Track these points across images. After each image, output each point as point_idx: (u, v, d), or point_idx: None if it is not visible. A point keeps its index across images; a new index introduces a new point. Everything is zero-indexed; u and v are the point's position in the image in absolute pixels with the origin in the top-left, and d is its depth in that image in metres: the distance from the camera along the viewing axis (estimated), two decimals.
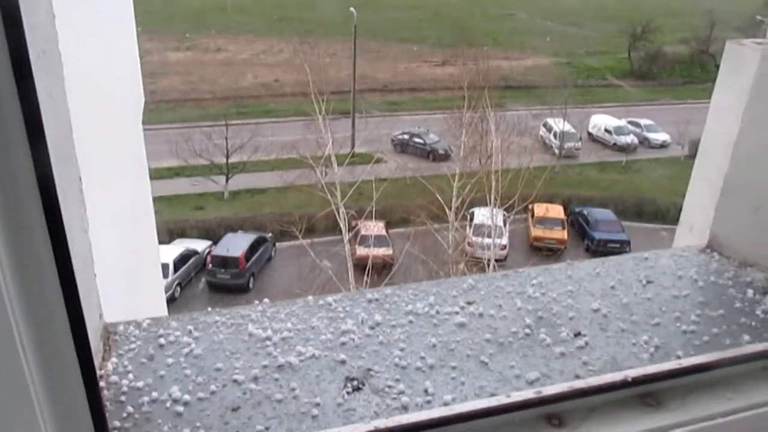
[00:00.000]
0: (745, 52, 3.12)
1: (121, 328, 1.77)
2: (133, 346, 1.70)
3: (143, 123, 4.32)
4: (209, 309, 1.89)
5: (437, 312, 1.88)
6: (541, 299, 1.97)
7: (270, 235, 30.34)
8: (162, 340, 1.72)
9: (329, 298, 1.95)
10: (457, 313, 1.88)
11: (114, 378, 1.56)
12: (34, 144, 0.98)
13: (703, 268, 2.19)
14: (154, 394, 1.51)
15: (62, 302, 1.03)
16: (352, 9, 40.85)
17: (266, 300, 1.93)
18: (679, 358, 1.68)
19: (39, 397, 1.06)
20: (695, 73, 51.49)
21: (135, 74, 4.13)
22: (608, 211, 33.26)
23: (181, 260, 27.34)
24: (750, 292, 2.03)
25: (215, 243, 29.44)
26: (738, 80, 2.53)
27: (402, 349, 1.71)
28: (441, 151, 35.65)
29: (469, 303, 1.94)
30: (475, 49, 33.58)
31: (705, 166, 3.31)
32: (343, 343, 1.73)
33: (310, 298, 1.95)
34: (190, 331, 1.76)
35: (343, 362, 1.65)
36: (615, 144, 41.84)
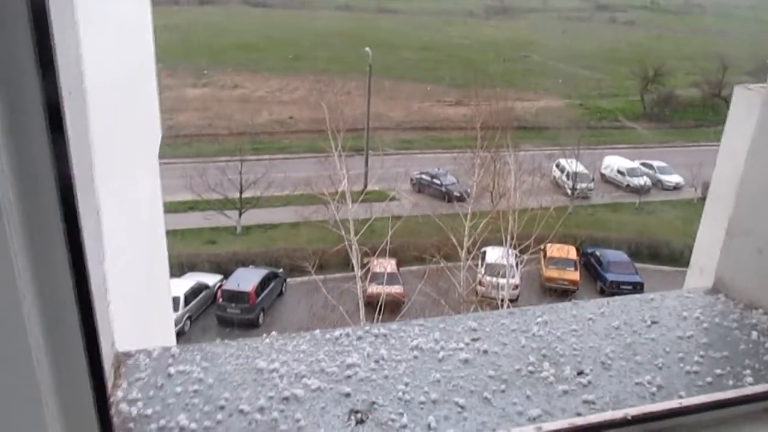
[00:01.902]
0: (751, 96, 3.18)
1: (131, 356, 1.81)
2: (142, 374, 1.73)
3: (160, 157, 4.41)
4: (218, 340, 1.93)
5: (442, 348, 1.91)
6: (545, 338, 1.99)
7: (281, 270, 30.39)
8: (171, 370, 1.75)
9: (336, 332, 1.98)
10: (461, 349, 1.90)
11: (123, 405, 1.59)
12: (61, 178, 1.04)
13: (708, 310, 2.20)
14: (162, 422, 1.54)
15: (79, 331, 1.08)
16: (367, 49, 41.59)
17: (274, 333, 1.97)
18: (681, 398, 1.69)
19: (54, 422, 1.10)
20: (707, 116, 51.67)
21: (153, 109, 4.25)
22: (621, 252, 33.06)
23: (192, 294, 27.39)
24: (754, 334, 2.04)
25: (226, 277, 29.52)
26: (745, 124, 2.58)
27: (406, 384, 1.73)
28: (456, 193, 35.83)
29: (474, 340, 1.96)
30: (488, 90, 33.97)
31: (714, 208, 3.33)
32: (349, 377, 1.75)
33: (317, 331, 1.98)
34: (199, 362, 1.80)
35: (347, 395, 1.68)
36: (628, 185, 41.85)
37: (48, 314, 1.09)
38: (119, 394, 1.65)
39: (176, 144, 40.13)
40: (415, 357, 1.86)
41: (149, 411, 1.58)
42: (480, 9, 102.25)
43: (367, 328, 1.98)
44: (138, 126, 3.81)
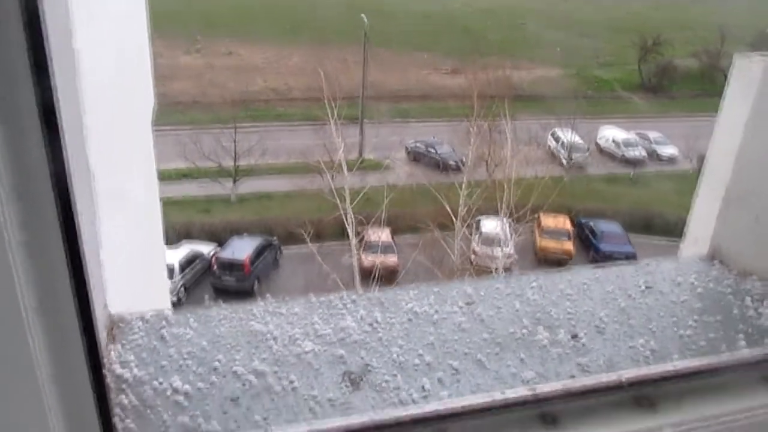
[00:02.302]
0: (752, 65, 3.15)
1: (125, 319, 1.80)
2: (136, 337, 1.73)
3: (153, 124, 4.36)
4: (211, 304, 1.92)
5: (437, 311, 1.90)
6: (539, 302, 1.99)
7: (276, 239, 30.40)
8: (165, 332, 1.75)
9: (331, 297, 1.98)
10: (456, 313, 1.90)
11: (116, 367, 1.59)
12: (49, 135, 1.01)
13: (703, 276, 2.20)
14: (156, 384, 1.54)
15: (71, 291, 1.06)
16: (363, 16, 41.05)
17: (268, 296, 1.96)
18: (675, 361, 1.69)
19: (45, 382, 1.08)
20: (705, 87, 51.30)
21: (146, 75, 4.19)
22: (615, 223, 33.18)
23: (187, 262, 27.41)
24: (748, 300, 2.04)
25: (221, 246, 29.51)
26: (744, 92, 2.56)
27: (401, 347, 1.73)
28: (451, 162, 35.69)
29: (469, 304, 1.96)
30: (485, 59, 33.68)
31: (710, 178, 3.32)
32: (343, 340, 1.75)
33: (311, 296, 1.97)
34: (193, 325, 1.79)
35: (341, 358, 1.68)
36: (623, 156, 41.77)
37: (39, 274, 1.07)
38: (113, 356, 1.64)
39: (170, 112, 39.68)
40: (410, 320, 1.86)
41: (143, 373, 1.58)
42: None
43: (361, 292, 1.98)
44: (131, 91, 3.76)
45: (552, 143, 40.87)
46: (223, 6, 64.62)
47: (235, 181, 35.26)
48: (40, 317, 1.08)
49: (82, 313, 1.08)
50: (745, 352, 1.73)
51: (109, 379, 1.56)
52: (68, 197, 1.02)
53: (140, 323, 1.79)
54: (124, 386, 1.54)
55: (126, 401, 1.48)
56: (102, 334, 1.66)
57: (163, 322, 1.80)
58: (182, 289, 26.64)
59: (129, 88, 3.71)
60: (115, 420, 1.42)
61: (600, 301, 2.00)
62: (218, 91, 48.02)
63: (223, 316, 1.86)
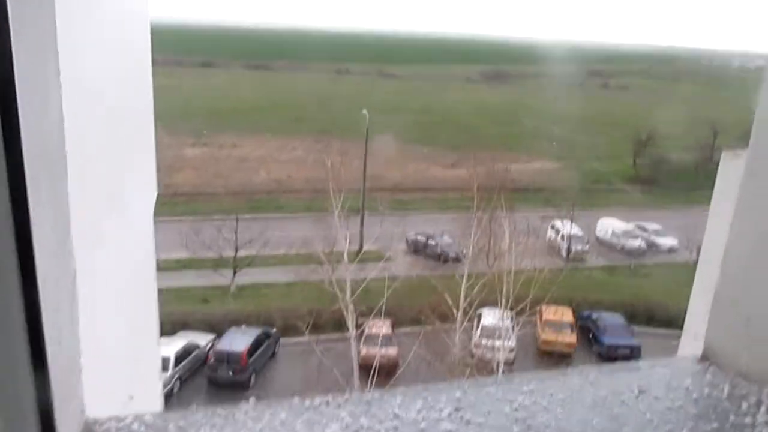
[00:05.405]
0: (740, 161, 3.21)
1: (102, 424, 1.75)
2: None
3: (156, 215, 4.39)
4: (194, 406, 1.87)
5: (423, 418, 1.85)
6: (530, 408, 1.94)
7: (274, 330, 30.02)
8: None
9: (316, 400, 1.93)
10: (443, 420, 1.85)
11: None
12: (20, 217, 0.99)
13: (698, 379, 2.15)
14: None
15: (34, 400, 1.03)
16: (364, 111, 42.37)
17: (252, 399, 1.92)
18: None
19: None
20: (699, 180, 52.23)
21: (150, 166, 4.26)
22: (618, 315, 32.81)
23: (183, 354, 26.94)
24: (744, 405, 1.99)
25: (219, 336, 29.10)
26: (733, 189, 2.59)
27: None
28: (452, 255, 35.79)
29: (457, 409, 1.91)
30: (483, 153, 34.45)
31: (705, 273, 3.30)
32: None
33: (295, 399, 1.93)
34: (172, 430, 1.74)
35: None
36: (623, 248, 41.90)
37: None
38: None
39: (173, 202, 40.27)
40: (395, 428, 1.81)
41: None
42: (476, 74, 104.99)
43: (347, 396, 1.93)
44: (132, 184, 3.82)
45: (552, 235, 41.11)
46: (230, 100, 66.92)
47: (235, 272, 35.21)
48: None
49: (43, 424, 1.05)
50: None
51: None
52: (38, 313, 1.01)
53: (117, 426, 1.74)
54: None
55: None
56: None
57: (142, 427, 1.75)
58: (177, 381, 26.04)
59: (130, 179, 3.77)
60: None
61: (592, 407, 1.95)
62: (222, 182, 48.90)
63: (206, 421, 1.81)
